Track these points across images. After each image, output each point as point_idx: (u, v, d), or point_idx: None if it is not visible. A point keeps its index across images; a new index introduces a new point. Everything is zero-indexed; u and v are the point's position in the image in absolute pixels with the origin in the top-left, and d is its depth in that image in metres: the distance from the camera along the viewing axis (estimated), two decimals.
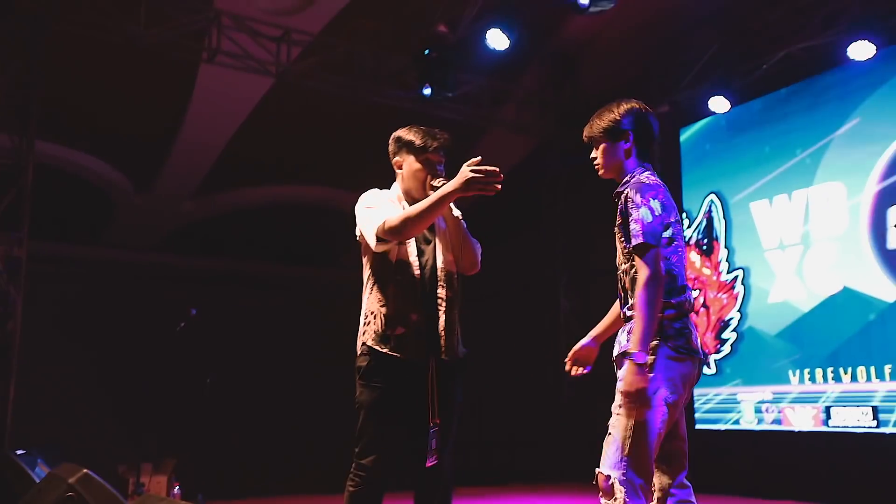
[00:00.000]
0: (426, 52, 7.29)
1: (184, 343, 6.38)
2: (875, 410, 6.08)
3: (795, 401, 6.64)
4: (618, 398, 2.54)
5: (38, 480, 4.43)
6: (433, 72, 7.32)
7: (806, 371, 6.62)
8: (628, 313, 2.67)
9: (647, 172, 2.70)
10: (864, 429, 6.14)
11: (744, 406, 6.93)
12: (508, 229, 9.70)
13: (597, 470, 2.52)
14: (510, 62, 7.98)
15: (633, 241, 2.56)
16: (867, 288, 6.29)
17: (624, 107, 2.73)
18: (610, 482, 2.46)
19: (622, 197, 2.66)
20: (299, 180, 9.62)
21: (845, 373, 6.34)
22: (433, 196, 2.83)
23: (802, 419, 6.57)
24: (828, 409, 6.41)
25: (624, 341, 2.63)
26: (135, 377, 8.57)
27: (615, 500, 2.44)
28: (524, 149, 9.11)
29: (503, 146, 8.95)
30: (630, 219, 2.59)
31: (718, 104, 7.36)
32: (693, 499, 2.63)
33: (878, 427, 6.05)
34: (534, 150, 9.06)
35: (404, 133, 3.09)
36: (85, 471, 3.32)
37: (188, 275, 9.68)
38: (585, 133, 2.81)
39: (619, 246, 2.73)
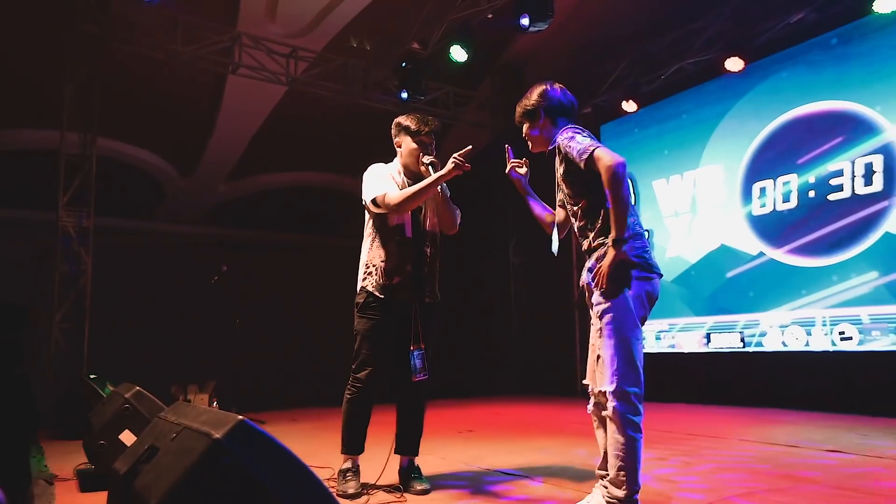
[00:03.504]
0: (403, 64, 7.25)
1: (218, 292, 6.37)
2: (741, 335, 6.23)
3: (685, 329, 6.76)
4: (596, 322, 2.25)
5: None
6: (409, 80, 7.28)
7: (693, 307, 6.72)
8: (593, 244, 2.32)
9: (567, 128, 2.40)
10: (734, 349, 6.28)
11: (648, 335, 7.02)
12: (472, 203, 9.66)
13: (598, 390, 2.23)
14: (470, 73, 7.94)
15: (583, 157, 2.22)
16: (738, 244, 6.39)
17: (536, 90, 2.48)
18: (605, 396, 2.18)
19: (558, 150, 2.37)
20: (308, 167, 9.57)
21: (721, 308, 6.45)
22: (427, 180, 2.78)
23: (690, 343, 6.70)
24: (708, 335, 6.53)
25: (596, 267, 2.28)
26: (182, 319, 8.58)
27: (612, 410, 2.16)
28: (482, 141, 9.07)
29: (465, 140, 8.85)
30: (572, 154, 2.27)
31: (629, 106, 7.40)
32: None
33: (743, 347, 6.20)
34: (490, 142, 9.03)
35: (403, 119, 3.02)
36: (137, 388, 3.26)
37: (222, 242, 9.64)
38: (515, 119, 2.55)
39: (566, 191, 2.41)
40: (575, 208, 2.39)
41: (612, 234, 2.19)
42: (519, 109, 2.53)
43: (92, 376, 5.17)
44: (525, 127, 2.52)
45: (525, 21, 5.86)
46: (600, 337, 2.22)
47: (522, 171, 2.67)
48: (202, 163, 8.85)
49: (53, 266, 6.11)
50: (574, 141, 2.29)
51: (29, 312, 5.94)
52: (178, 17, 6.51)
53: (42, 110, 7.12)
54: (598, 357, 2.23)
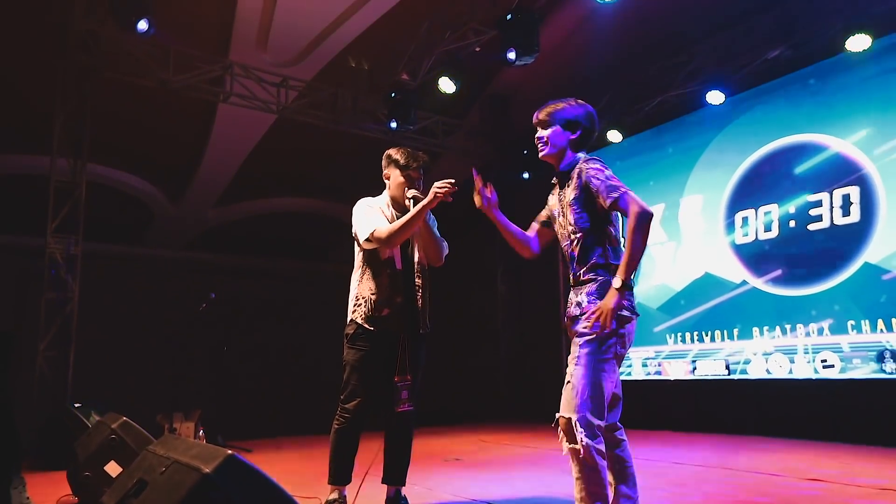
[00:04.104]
0: (392, 94, 7.30)
1: (206, 320, 6.32)
2: (726, 363, 6.28)
3: (671, 357, 6.79)
4: (574, 351, 2.25)
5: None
6: (398, 110, 7.31)
7: (678, 335, 6.75)
8: (582, 277, 2.29)
9: (593, 158, 2.35)
10: (719, 376, 6.31)
11: (634, 362, 7.05)
12: (460, 231, 9.69)
13: (557, 414, 2.20)
14: (458, 103, 8.02)
15: (612, 195, 2.19)
16: (722, 272, 6.45)
17: (584, 105, 2.39)
18: (570, 423, 2.15)
19: (578, 174, 2.29)
20: (297, 193, 9.58)
21: (706, 335, 6.49)
22: (412, 211, 2.79)
23: (676, 370, 6.72)
24: (694, 363, 6.56)
25: (585, 302, 2.25)
26: (169, 346, 8.46)
27: (576, 438, 2.13)
28: (470, 170, 9.17)
29: (454, 168, 8.98)
30: (598, 188, 2.23)
31: (614, 136, 7.50)
32: (625, 437, 2.37)
33: (728, 375, 6.23)
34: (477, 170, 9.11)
35: (394, 152, 3.02)
36: (124, 418, 3.23)
37: (211, 268, 9.59)
38: (541, 115, 2.38)
39: (569, 218, 2.33)
40: (573, 237, 2.33)
41: (621, 277, 2.17)
42: (553, 112, 2.37)
43: (77, 405, 5.12)
44: (550, 130, 2.37)
45: (512, 55, 5.97)
46: (575, 365, 2.22)
47: (493, 195, 2.48)
48: (192, 188, 8.82)
49: (40, 293, 6.06)
50: (603, 174, 2.24)
51: (15, 339, 5.88)
52: (170, 46, 6.58)
53: (32, 136, 7.12)
54: (568, 383, 2.21)
